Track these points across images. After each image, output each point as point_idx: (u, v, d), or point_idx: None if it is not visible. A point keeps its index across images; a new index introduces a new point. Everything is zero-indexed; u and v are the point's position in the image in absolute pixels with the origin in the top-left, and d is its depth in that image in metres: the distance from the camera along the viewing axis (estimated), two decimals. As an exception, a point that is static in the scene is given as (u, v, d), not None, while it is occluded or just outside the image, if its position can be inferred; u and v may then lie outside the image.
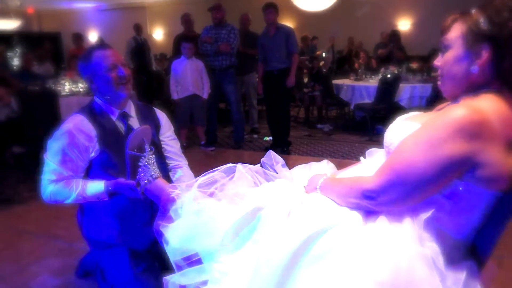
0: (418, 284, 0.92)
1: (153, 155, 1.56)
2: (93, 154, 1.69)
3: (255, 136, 5.97)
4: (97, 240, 1.77)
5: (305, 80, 7.38)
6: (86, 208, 1.79)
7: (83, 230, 1.80)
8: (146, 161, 1.52)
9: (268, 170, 1.38)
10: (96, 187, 1.65)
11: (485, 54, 0.99)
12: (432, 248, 0.97)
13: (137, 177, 1.53)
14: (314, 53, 8.91)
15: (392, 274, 0.93)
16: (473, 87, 1.03)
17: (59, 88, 4.92)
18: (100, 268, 1.93)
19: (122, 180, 1.60)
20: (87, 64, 1.71)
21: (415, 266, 0.93)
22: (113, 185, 1.63)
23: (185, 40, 5.10)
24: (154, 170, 1.53)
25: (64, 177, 1.67)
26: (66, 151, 1.66)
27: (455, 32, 1.04)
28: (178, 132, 4.83)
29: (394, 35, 7.84)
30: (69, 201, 1.68)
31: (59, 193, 1.67)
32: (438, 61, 1.10)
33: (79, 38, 7.63)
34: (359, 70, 6.68)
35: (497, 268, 1.21)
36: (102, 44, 1.84)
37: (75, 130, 1.67)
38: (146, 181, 1.51)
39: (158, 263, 1.72)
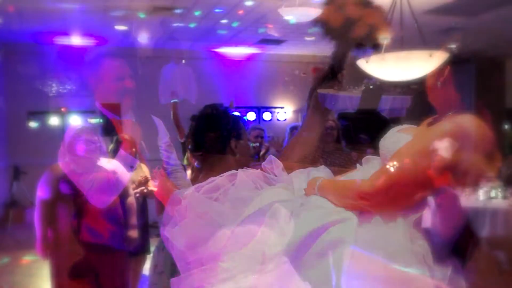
0: (410, 279, 1.02)
1: None
2: None
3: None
4: (95, 244, 1.79)
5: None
6: (84, 212, 1.82)
7: (80, 234, 1.83)
8: None
9: (268, 174, 1.46)
10: None
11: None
12: (422, 246, 1.07)
13: None
14: None
15: (386, 270, 1.02)
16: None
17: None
18: (96, 272, 1.95)
19: None
20: (96, 70, 1.80)
21: (407, 263, 1.03)
22: None
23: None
24: None
25: None
26: None
27: None
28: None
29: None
30: None
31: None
32: None
33: None
34: (343, 81, 6.82)
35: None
36: (112, 56, 1.91)
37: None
38: None
39: (158, 265, 1.77)
